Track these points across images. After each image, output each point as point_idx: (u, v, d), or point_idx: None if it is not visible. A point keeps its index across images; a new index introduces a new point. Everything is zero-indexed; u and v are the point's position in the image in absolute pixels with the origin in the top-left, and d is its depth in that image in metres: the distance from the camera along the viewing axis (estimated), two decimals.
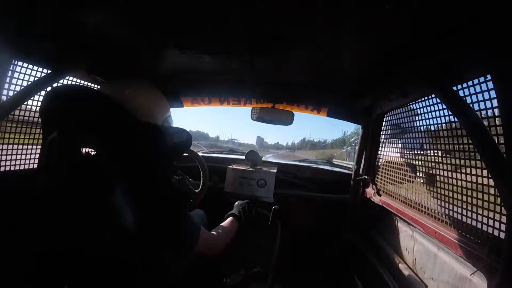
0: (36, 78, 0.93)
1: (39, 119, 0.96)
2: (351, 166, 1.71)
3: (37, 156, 1.01)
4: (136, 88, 0.79)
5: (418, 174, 1.00)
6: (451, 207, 0.78)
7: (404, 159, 1.09)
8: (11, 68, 0.86)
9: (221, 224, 1.00)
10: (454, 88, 0.70)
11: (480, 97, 0.63)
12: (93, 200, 0.65)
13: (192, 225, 0.78)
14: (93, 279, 0.66)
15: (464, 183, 0.72)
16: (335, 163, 2.38)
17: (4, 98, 0.85)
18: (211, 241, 0.87)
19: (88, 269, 0.66)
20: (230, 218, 1.05)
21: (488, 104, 0.62)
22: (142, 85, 0.82)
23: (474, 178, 0.68)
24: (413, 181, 1.03)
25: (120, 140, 0.69)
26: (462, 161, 0.72)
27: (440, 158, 0.83)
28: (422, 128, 0.95)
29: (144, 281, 0.70)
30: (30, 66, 0.91)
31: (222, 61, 1.08)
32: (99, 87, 1.20)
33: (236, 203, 1.19)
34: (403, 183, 1.09)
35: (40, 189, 0.68)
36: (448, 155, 0.79)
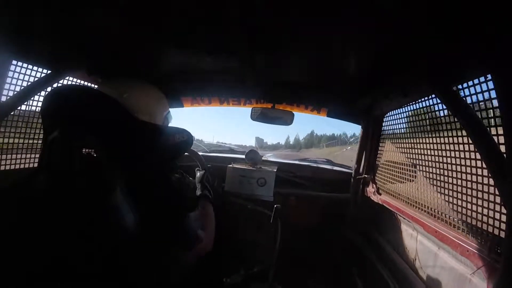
0: (36, 78, 0.92)
1: (40, 119, 0.96)
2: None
3: (37, 156, 1.01)
4: (134, 88, 0.79)
5: (418, 173, 1.00)
6: (451, 206, 0.78)
7: (404, 159, 1.09)
8: (11, 68, 0.86)
9: (200, 214, 1.01)
10: (454, 88, 0.70)
11: (480, 97, 0.64)
12: (94, 200, 0.65)
13: (191, 230, 0.80)
14: (93, 280, 0.66)
15: (464, 182, 0.72)
16: None
17: (4, 98, 0.84)
18: (205, 242, 0.90)
19: (87, 269, 0.66)
20: (204, 204, 1.07)
21: (488, 104, 0.62)
22: (139, 85, 0.82)
23: (474, 177, 0.68)
24: (413, 180, 1.03)
25: (121, 140, 0.69)
26: (462, 161, 0.72)
27: (440, 157, 0.84)
28: (422, 128, 0.95)
29: (144, 281, 0.70)
30: (30, 66, 0.91)
31: (222, 61, 1.08)
32: (97, 87, 1.21)
33: (197, 177, 1.18)
34: (403, 182, 1.09)
35: (40, 189, 0.68)
36: (448, 155, 0.79)
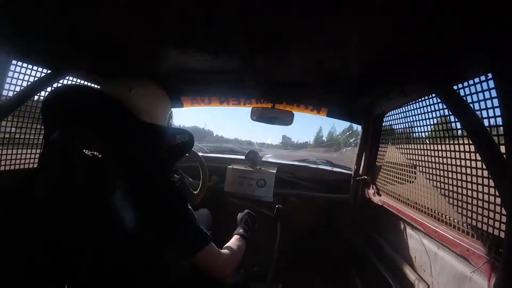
0: (36, 78, 0.92)
1: (40, 119, 0.96)
2: None
3: (37, 155, 1.01)
4: (141, 88, 0.78)
5: (417, 174, 1.00)
6: (451, 207, 0.78)
7: (404, 159, 1.09)
8: (11, 68, 0.86)
9: (229, 243, 0.88)
10: (455, 87, 0.70)
11: (480, 96, 0.63)
12: (95, 200, 0.65)
13: (199, 232, 0.74)
14: (93, 279, 0.66)
15: (463, 183, 0.72)
16: None
17: (4, 98, 0.84)
18: (221, 259, 0.78)
19: (88, 269, 0.66)
20: (237, 237, 0.93)
21: (489, 104, 0.61)
22: (146, 84, 0.82)
23: (474, 178, 0.68)
24: (413, 181, 1.03)
25: (122, 140, 0.69)
26: (462, 161, 0.72)
27: (439, 158, 0.84)
28: (422, 127, 0.95)
29: (144, 281, 0.70)
30: (30, 66, 0.91)
31: (222, 61, 1.08)
32: (100, 86, 1.21)
33: (238, 216, 1.07)
34: (403, 183, 1.09)
35: (41, 189, 0.68)
36: (448, 155, 0.79)
